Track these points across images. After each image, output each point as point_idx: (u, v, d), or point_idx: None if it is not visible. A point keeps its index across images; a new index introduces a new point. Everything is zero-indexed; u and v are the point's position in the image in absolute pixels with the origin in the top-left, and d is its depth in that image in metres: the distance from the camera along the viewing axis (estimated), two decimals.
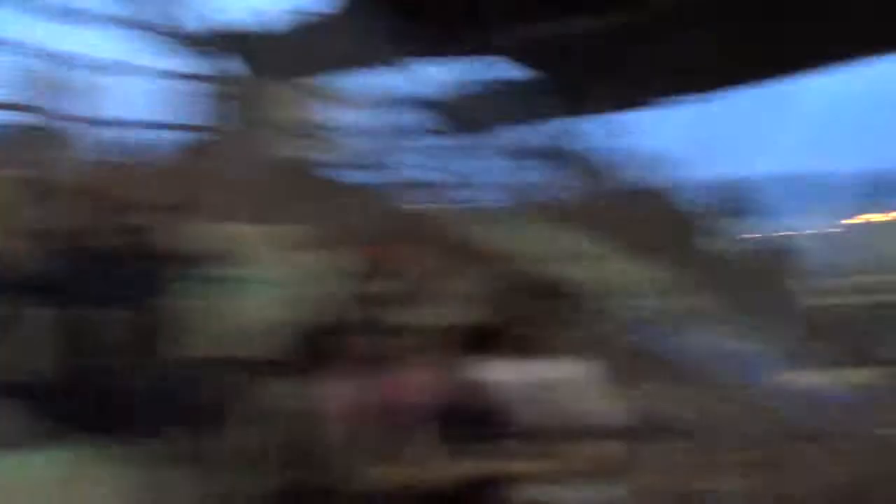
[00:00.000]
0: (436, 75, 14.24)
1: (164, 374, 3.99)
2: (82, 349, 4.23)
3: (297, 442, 3.90)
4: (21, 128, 5.07)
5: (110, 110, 8.63)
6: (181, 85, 9.59)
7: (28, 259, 4.49)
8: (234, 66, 9.26)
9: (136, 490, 3.90)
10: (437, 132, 10.23)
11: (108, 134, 6.17)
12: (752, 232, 15.22)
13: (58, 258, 4.41)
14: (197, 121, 9.38)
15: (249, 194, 8.51)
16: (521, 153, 13.51)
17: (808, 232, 18.16)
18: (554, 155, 15.17)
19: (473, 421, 3.98)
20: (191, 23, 9.56)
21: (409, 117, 12.32)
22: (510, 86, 16.79)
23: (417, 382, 4.12)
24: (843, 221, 19.21)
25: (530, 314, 4.47)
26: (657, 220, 10.23)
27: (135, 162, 4.42)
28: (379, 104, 10.43)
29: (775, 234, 15.97)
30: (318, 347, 4.19)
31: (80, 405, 4.12)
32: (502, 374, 4.31)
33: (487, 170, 12.89)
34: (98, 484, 3.86)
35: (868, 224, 18.93)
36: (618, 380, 4.70)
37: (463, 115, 14.30)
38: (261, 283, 6.31)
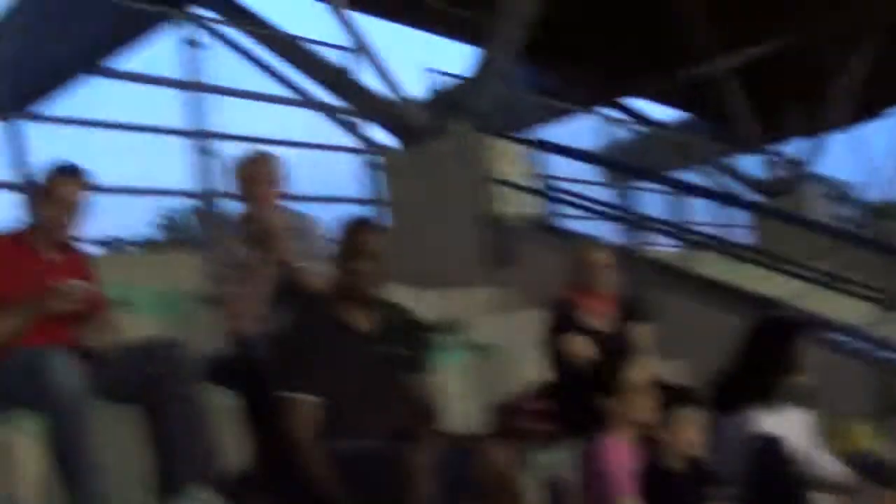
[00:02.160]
0: (602, 123, 14.17)
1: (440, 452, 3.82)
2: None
3: None
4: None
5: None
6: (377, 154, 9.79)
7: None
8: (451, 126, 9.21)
9: None
10: (622, 178, 10.07)
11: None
12: None
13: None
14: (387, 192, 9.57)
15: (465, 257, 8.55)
16: (707, 193, 13.17)
17: None
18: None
19: None
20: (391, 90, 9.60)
21: (592, 165, 12.17)
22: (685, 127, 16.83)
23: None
24: None
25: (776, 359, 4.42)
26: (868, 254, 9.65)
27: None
28: (561, 153, 10.27)
29: None
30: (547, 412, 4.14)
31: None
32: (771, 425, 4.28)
33: (681, 211, 12.58)
34: None
35: None
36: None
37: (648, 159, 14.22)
38: (482, 349, 6.27)
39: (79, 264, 4.49)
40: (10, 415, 3.98)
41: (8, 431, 3.93)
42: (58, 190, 4.31)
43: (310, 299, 4.26)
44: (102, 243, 8.28)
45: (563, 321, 5.45)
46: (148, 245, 9.28)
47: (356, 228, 4.13)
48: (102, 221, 7.79)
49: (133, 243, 8.83)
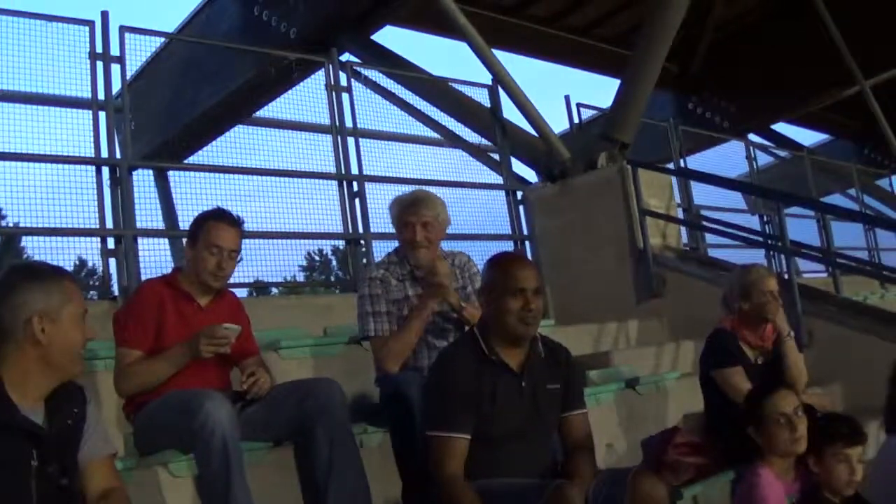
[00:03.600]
0: (749, 149, 13.93)
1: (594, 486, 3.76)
2: None
3: None
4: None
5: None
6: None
7: None
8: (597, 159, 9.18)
9: None
10: (770, 204, 9.83)
11: None
12: None
13: None
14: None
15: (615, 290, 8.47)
16: (856, 216, 12.82)
17: None
18: None
19: None
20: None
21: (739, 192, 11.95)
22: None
23: None
24: None
25: None
26: None
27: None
28: (707, 181, 10.09)
29: None
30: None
31: None
32: None
33: (830, 236, 12.26)
34: None
35: None
36: None
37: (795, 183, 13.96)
38: (634, 382, 6.18)
39: (231, 308, 4.54)
40: (161, 455, 4.02)
41: (158, 471, 3.98)
42: (212, 236, 4.37)
43: (463, 337, 4.18)
44: (250, 286, 8.32)
45: (725, 354, 5.29)
46: (293, 287, 9.36)
47: (506, 264, 4.06)
48: (249, 265, 7.87)
49: (278, 285, 8.88)
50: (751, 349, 5.37)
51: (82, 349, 3.01)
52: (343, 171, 8.35)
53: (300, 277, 9.37)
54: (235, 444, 3.77)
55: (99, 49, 7.23)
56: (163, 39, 9.52)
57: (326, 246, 31.92)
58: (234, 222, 4.45)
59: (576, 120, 11.15)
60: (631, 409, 5.99)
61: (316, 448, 4.03)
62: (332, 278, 30.47)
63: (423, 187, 6.99)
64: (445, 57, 12.70)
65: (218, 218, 4.44)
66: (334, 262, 35.85)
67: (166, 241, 8.36)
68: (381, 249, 7.80)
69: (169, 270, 4.63)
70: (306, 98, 8.92)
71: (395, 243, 5.06)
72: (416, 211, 4.93)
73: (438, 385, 3.94)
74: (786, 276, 7.88)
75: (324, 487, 3.99)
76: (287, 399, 4.17)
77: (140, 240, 7.05)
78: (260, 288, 9.03)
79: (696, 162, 13.22)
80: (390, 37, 15.21)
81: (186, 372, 4.15)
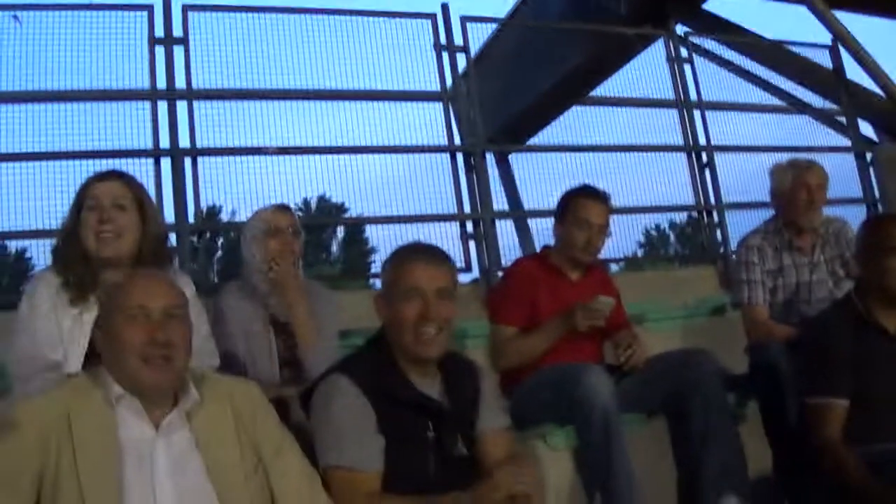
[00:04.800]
0: None
1: None
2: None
3: None
4: None
5: None
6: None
7: None
8: None
9: None
10: None
11: None
12: None
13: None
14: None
15: None
16: None
17: None
18: None
19: None
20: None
21: None
22: None
23: None
24: None
25: None
26: None
27: None
28: None
29: None
30: None
31: None
32: None
33: None
34: None
35: None
36: None
37: None
38: None
39: (602, 282, 4.62)
40: (540, 428, 4.15)
41: (538, 444, 4.10)
42: (581, 212, 4.45)
43: (840, 300, 4.09)
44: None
45: None
46: (630, 263, 9.33)
47: (882, 224, 3.94)
48: None
49: (617, 261, 8.88)
50: None
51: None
52: (691, 143, 8.30)
53: (639, 254, 9.32)
54: (616, 416, 3.83)
55: (443, 40, 7.54)
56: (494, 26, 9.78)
57: (664, 221, 31.86)
58: (602, 198, 4.52)
59: None
60: None
61: (691, 419, 4.04)
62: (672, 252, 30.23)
63: (770, 154, 6.87)
64: (777, 22, 12.24)
65: (586, 194, 4.52)
66: (672, 237, 35.56)
67: (511, 222, 8.57)
68: (732, 220, 7.76)
69: (523, 251, 4.72)
70: (645, 74, 8.93)
71: (746, 214, 5.00)
72: (813, 172, 4.91)
73: (816, 350, 3.88)
74: None
75: (699, 458, 4.00)
76: (661, 371, 4.21)
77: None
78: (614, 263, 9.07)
79: None
80: (719, 4, 14.84)
81: (561, 347, 4.27)
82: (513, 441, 3.31)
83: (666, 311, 5.74)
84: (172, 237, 6.11)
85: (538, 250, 4.74)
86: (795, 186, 4.86)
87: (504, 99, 11.07)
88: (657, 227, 33.54)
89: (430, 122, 7.59)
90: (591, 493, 3.86)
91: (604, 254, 4.84)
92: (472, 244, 7.05)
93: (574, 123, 9.50)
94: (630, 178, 8.37)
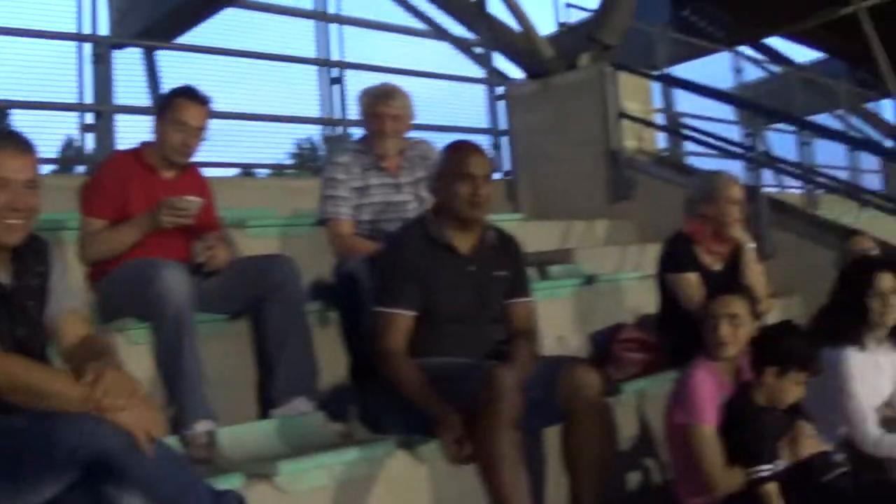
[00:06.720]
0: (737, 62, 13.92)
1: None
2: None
3: None
4: None
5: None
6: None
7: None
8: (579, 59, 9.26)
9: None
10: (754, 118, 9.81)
11: None
12: None
13: None
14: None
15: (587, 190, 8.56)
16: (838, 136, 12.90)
17: None
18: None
19: None
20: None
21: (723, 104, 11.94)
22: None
23: None
24: None
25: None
26: None
27: None
28: (690, 90, 10.08)
29: None
30: None
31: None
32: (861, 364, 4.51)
33: (811, 154, 12.44)
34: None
35: None
36: None
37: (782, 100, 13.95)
38: (592, 279, 6.30)
39: (196, 185, 4.63)
40: (122, 322, 4.16)
41: (118, 338, 4.07)
42: (179, 113, 4.45)
43: (414, 220, 4.34)
44: (235, 167, 8.45)
45: (681, 258, 5.36)
46: (278, 171, 9.45)
47: (457, 150, 4.19)
48: (236, 147, 7.97)
49: (265, 167, 8.97)
50: (709, 255, 5.41)
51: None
52: (327, 58, 8.40)
53: (285, 162, 9.49)
54: (189, 314, 3.91)
55: None
56: None
57: (316, 133, 31.95)
58: (202, 100, 4.51)
59: (564, 20, 11.16)
60: (588, 306, 6.12)
61: (268, 321, 4.21)
62: (314, 164, 30.42)
63: (407, 78, 7.09)
64: None
65: (186, 95, 4.50)
66: (316, 148, 35.69)
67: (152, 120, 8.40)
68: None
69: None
70: None
71: None
72: (387, 102, 5.05)
73: (386, 264, 4.13)
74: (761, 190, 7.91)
75: (273, 360, 4.19)
76: (244, 273, 4.33)
77: (125, 118, 7.17)
78: (248, 172, 9.12)
79: (682, 71, 13.21)
80: None
81: (148, 242, 4.27)
82: (86, 323, 3.30)
83: (267, 218, 5.85)
84: None
85: (138, 145, 4.68)
86: (370, 115, 5.10)
87: None
88: (309, 139, 33.72)
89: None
90: (169, 390, 3.90)
91: (250, 159, 4.85)
92: (89, 136, 6.86)
93: (225, 28, 9.47)
94: (273, 86, 8.42)
